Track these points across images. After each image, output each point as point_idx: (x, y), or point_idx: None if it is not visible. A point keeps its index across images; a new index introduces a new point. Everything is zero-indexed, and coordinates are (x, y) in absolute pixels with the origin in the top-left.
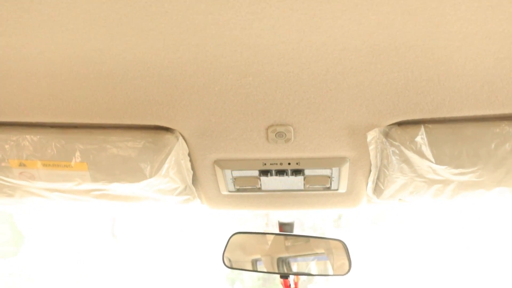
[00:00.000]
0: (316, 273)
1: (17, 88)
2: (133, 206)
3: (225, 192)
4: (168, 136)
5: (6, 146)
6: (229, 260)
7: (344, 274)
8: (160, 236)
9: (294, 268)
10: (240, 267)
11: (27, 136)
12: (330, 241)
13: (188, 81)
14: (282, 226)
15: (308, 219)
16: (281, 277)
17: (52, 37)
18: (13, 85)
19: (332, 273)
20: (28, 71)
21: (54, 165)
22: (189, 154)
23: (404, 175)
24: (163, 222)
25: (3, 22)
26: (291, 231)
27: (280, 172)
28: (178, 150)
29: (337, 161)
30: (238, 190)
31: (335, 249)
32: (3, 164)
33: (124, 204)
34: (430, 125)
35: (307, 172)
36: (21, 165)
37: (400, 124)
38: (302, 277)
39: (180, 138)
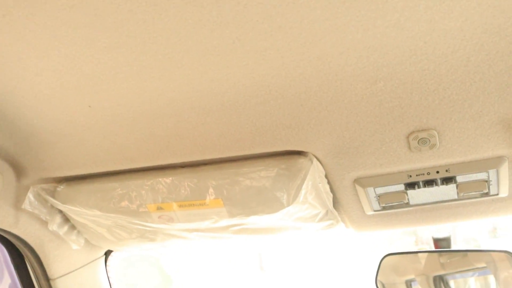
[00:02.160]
0: None
1: (145, 133)
2: (275, 237)
3: (370, 212)
4: (301, 160)
5: (143, 192)
6: (383, 284)
7: None
8: (307, 263)
9: (453, 286)
10: None
11: (160, 179)
12: (493, 253)
13: (315, 98)
14: (437, 242)
15: (459, 231)
16: None
17: (170, 76)
18: (142, 131)
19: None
20: (153, 114)
21: (189, 205)
22: (326, 176)
23: None
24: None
25: (121, 69)
26: (449, 246)
27: (429, 183)
28: (314, 174)
29: (494, 162)
30: (384, 208)
31: (500, 262)
32: (142, 209)
33: (265, 237)
34: None
35: (460, 178)
36: (158, 208)
37: None
38: None
39: (315, 160)
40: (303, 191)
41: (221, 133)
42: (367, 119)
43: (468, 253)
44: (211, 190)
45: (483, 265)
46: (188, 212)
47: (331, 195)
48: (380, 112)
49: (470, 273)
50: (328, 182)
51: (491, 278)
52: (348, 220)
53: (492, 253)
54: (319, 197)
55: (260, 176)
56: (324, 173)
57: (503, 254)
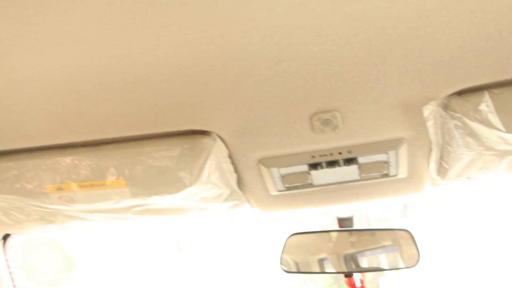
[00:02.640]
0: (383, 268)
1: (43, 110)
2: (180, 218)
3: (274, 193)
4: (205, 140)
5: (41, 172)
6: (288, 264)
7: (413, 266)
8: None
9: (359, 264)
10: (299, 270)
11: (59, 159)
12: (395, 232)
13: (218, 77)
14: (341, 221)
15: (373, 211)
16: (345, 276)
17: (67, 50)
18: (39, 107)
19: (400, 266)
20: (51, 90)
21: (90, 185)
22: (230, 156)
23: (470, 150)
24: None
25: (14, 42)
26: (351, 226)
27: (331, 164)
28: (217, 153)
29: (393, 144)
30: (288, 189)
31: (402, 240)
32: (40, 190)
33: (169, 218)
34: (495, 90)
35: (361, 160)
36: (58, 189)
37: (460, 93)
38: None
39: (218, 140)
40: (206, 171)
41: (123, 111)
42: (271, 99)
43: (374, 232)
44: (112, 169)
45: (388, 243)
46: (89, 193)
47: (235, 175)
48: (283, 93)
49: (376, 251)
50: (232, 162)
51: (395, 256)
52: (253, 200)
53: (394, 231)
54: (223, 177)
55: (163, 155)
56: (227, 153)
57: (404, 232)
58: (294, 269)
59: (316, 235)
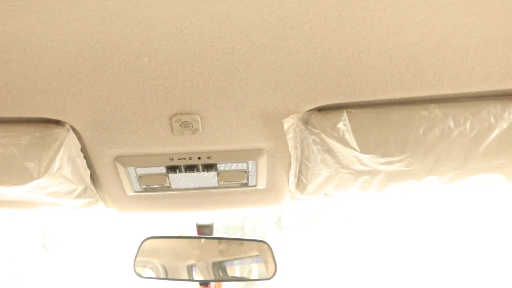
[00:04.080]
0: (239, 278)
1: None
2: (29, 212)
3: (131, 193)
4: (57, 130)
5: None
6: (141, 268)
7: (270, 278)
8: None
9: (216, 273)
10: (152, 276)
11: None
12: (254, 243)
13: (74, 65)
14: (200, 228)
15: (249, 222)
16: (201, 284)
17: None
18: None
19: (256, 277)
20: None
21: None
22: (84, 150)
23: (327, 167)
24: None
25: None
26: (211, 233)
27: (190, 168)
28: (70, 146)
29: (253, 154)
30: (145, 190)
31: (261, 251)
32: None
33: (15, 211)
34: (353, 110)
35: (220, 167)
36: None
37: (320, 109)
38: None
39: (71, 131)
40: (57, 164)
41: None
42: (130, 94)
43: (233, 241)
44: None
45: (249, 253)
46: None
47: (89, 171)
48: (144, 89)
49: (234, 261)
50: (87, 157)
51: (251, 267)
52: (109, 199)
53: (253, 242)
54: (76, 172)
55: (9, 142)
56: (79, 146)
57: (262, 244)
58: (146, 275)
59: (173, 240)
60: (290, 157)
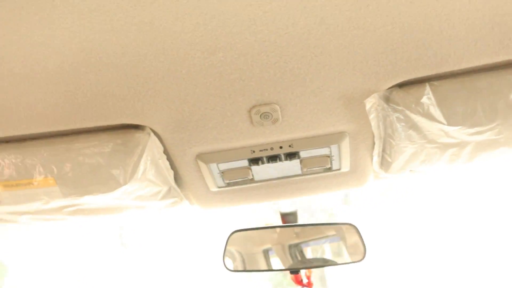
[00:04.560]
0: (329, 263)
1: None
2: (117, 217)
3: (214, 189)
4: (138, 135)
5: None
6: (231, 262)
7: (360, 260)
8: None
9: (305, 261)
10: (243, 269)
11: None
12: (340, 226)
13: (150, 68)
14: (284, 216)
15: (315, 200)
16: (291, 273)
17: None
18: None
19: (346, 261)
20: None
21: (16, 185)
22: (166, 152)
23: (413, 143)
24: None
25: None
26: (295, 221)
27: (273, 158)
28: (152, 149)
29: (335, 138)
30: (228, 185)
31: (347, 234)
32: None
33: (106, 217)
34: (436, 82)
35: (303, 154)
36: None
37: (401, 85)
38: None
39: (152, 134)
40: (141, 168)
41: (48, 104)
42: (207, 91)
43: (318, 227)
44: (39, 167)
45: (335, 238)
46: (15, 193)
47: (172, 171)
48: (220, 85)
49: (322, 247)
50: (169, 158)
51: (340, 251)
52: (193, 197)
53: (339, 226)
54: (160, 174)
55: (94, 152)
56: (162, 148)
57: (349, 226)
58: (238, 268)
59: (260, 231)
60: (373, 137)
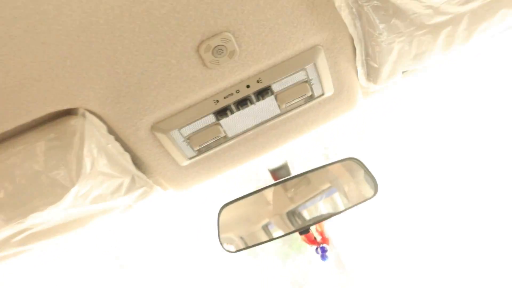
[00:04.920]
0: (339, 210)
1: None
2: (83, 231)
3: (185, 162)
4: (72, 121)
5: None
6: (231, 241)
7: (373, 196)
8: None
9: (312, 215)
10: (245, 245)
11: None
12: (340, 164)
13: (60, 30)
14: (275, 173)
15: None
16: (301, 233)
17: None
18: None
19: (358, 201)
20: None
21: None
22: (112, 132)
23: (399, 35)
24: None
25: None
26: (288, 174)
27: (242, 103)
28: (93, 133)
29: (308, 55)
30: (200, 152)
31: (351, 171)
32: None
33: (69, 236)
34: None
35: (276, 87)
36: None
37: None
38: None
39: (89, 115)
40: (87, 161)
41: None
42: (138, 40)
43: (316, 172)
44: None
45: (339, 179)
46: None
47: (128, 154)
48: (151, 27)
49: (325, 187)
50: (119, 140)
51: (349, 192)
52: (164, 180)
53: (339, 164)
54: (114, 162)
55: (24, 157)
56: (105, 128)
57: (350, 161)
58: (239, 246)
59: (252, 198)
60: (351, 43)
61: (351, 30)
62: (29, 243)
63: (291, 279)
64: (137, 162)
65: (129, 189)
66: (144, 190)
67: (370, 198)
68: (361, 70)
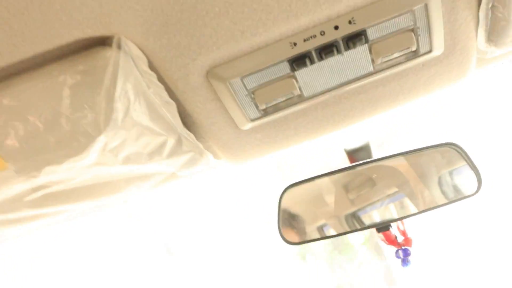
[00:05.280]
0: (429, 207)
1: None
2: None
3: (247, 126)
4: (105, 53)
5: None
6: (293, 230)
7: (475, 193)
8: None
9: (396, 210)
10: (308, 238)
11: None
12: (435, 151)
13: None
14: (352, 154)
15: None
16: (379, 230)
17: None
18: None
19: (456, 198)
20: None
21: None
22: (155, 70)
23: None
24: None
25: None
26: (369, 156)
27: (327, 51)
28: (131, 71)
29: None
30: (266, 113)
31: (449, 162)
32: None
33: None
34: None
35: (372, 33)
36: None
37: None
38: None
39: (126, 45)
40: (120, 105)
41: None
42: None
43: (406, 157)
44: None
45: (427, 163)
46: None
47: (175, 104)
48: None
49: (414, 177)
50: (163, 82)
51: (445, 186)
52: (217, 147)
53: (435, 150)
54: (156, 113)
55: (42, 94)
56: (146, 61)
57: (448, 148)
58: (300, 238)
59: (323, 180)
60: None
61: None
62: (46, 205)
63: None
64: (186, 119)
65: (173, 152)
66: (192, 156)
67: (471, 195)
68: (483, 24)
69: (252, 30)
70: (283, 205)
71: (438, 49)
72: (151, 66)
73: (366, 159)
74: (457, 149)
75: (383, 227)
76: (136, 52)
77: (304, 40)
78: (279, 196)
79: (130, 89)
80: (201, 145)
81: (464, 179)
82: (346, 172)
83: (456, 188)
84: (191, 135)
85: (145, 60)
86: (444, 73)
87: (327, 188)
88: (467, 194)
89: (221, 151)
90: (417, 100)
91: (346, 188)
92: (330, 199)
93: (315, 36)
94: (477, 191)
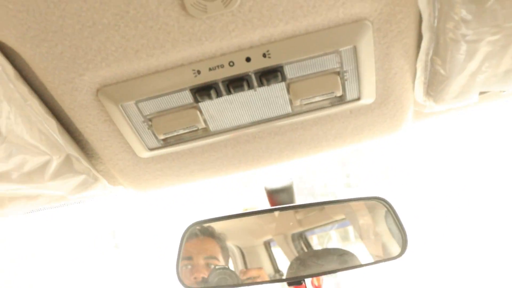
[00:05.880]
0: (347, 265)
1: None
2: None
3: (145, 154)
4: None
5: None
6: (192, 273)
7: (399, 256)
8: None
9: (312, 264)
10: (211, 284)
11: None
12: (363, 203)
13: None
14: (272, 195)
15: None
16: (290, 284)
17: None
18: None
19: (377, 259)
20: None
21: None
22: (37, 81)
23: (493, 31)
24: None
25: None
26: (291, 200)
27: (235, 84)
28: (5, 81)
29: (348, 32)
30: (167, 144)
31: (375, 216)
32: None
33: None
34: None
35: (290, 70)
36: None
37: None
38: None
39: None
40: None
41: None
42: None
43: (326, 207)
44: None
45: (342, 216)
46: None
47: (54, 121)
48: None
49: (324, 241)
50: (50, 96)
51: (366, 244)
52: (115, 171)
53: (361, 203)
54: (33, 126)
55: None
56: (13, 72)
57: (375, 202)
58: (200, 284)
59: (233, 221)
60: (417, 28)
61: (421, 5)
62: None
63: None
64: (79, 138)
65: (59, 174)
66: (84, 180)
67: (394, 258)
68: (421, 76)
69: (148, 50)
70: (186, 242)
71: (369, 97)
72: (33, 76)
73: (287, 202)
74: (386, 204)
75: (295, 282)
76: (2, 61)
77: (210, 69)
78: (182, 233)
79: (4, 101)
80: (92, 169)
81: (389, 238)
82: (264, 215)
83: (379, 247)
84: (81, 156)
85: (12, 69)
86: (375, 123)
87: (241, 229)
88: (390, 256)
89: (119, 176)
90: (344, 148)
91: (264, 232)
92: (243, 242)
93: (222, 66)
94: (401, 254)
